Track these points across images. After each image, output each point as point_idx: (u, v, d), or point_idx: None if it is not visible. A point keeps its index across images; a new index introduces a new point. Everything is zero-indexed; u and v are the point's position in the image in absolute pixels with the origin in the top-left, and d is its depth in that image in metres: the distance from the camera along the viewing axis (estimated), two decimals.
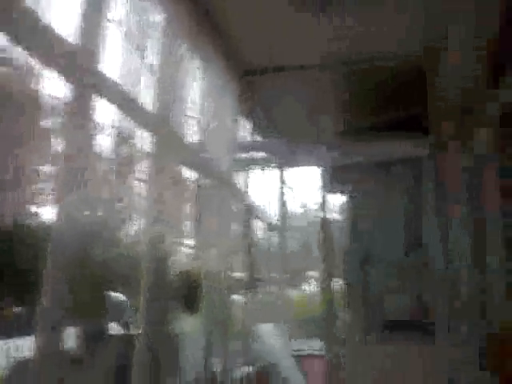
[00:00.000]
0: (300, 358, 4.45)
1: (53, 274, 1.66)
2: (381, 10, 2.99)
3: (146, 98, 2.15)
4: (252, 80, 3.70)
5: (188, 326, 3.41)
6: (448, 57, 3.18)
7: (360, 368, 3.32)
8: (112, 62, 1.93)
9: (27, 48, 1.42)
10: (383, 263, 4.07)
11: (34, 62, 1.46)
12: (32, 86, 1.46)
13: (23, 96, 1.41)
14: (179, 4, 2.45)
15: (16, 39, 1.37)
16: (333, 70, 3.65)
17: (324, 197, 3.55)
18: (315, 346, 4.53)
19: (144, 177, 2.06)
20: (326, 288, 3.42)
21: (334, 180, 4.56)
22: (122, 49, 1.99)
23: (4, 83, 1.34)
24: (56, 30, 1.57)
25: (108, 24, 1.83)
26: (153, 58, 2.19)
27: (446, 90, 3.30)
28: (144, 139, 2.10)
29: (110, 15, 1.84)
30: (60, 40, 1.63)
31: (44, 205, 1.60)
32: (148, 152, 2.12)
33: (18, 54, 1.38)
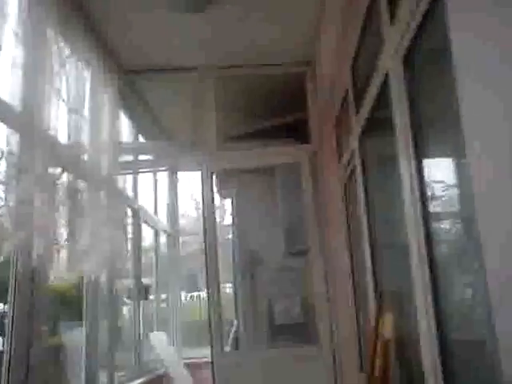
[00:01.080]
0: (191, 365, 4.38)
1: None
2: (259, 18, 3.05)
3: (11, 94, 1.97)
4: (133, 80, 3.59)
5: (72, 337, 3.21)
6: (321, 67, 3.32)
7: (248, 373, 3.31)
8: None
9: None
10: (269, 267, 4.14)
11: None
12: None
13: None
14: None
15: None
16: (215, 72, 3.65)
17: (206, 201, 3.49)
18: (204, 352, 4.49)
19: (3, 178, 1.88)
20: (213, 293, 3.36)
21: (220, 184, 4.56)
22: None
23: None
24: None
25: None
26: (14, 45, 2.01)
27: (323, 99, 3.44)
28: (7, 137, 1.92)
29: None
30: None
31: None
32: (8, 150, 1.93)
33: None
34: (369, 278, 2.41)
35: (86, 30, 2.84)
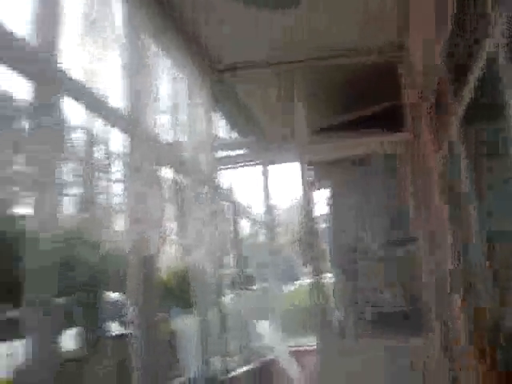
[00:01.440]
0: (295, 353, 4.46)
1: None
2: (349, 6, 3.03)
3: (118, 99, 2.15)
4: (224, 78, 3.71)
5: (183, 324, 3.40)
6: (415, 53, 3.22)
7: (352, 362, 3.32)
8: (82, 64, 1.93)
9: None
10: (369, 256, 4.11)
11: None
12: None
13: None
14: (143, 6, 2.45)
15: None
16: (304, 65, 3.68)
17: (307, 192, 3.55)
18: (309, 340, 4.54)
19: (122, 177, 2.05)
20: (315, 283, 3.42)
21: (315, 176, 4.59)
22: (91, 51, 1.98)
23: None
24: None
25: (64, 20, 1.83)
26: (119, 55, 2.19)
27: (418, 86, 3.34)
28: (119, 140, 2.10)
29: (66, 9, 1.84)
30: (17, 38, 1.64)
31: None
32: (124, 152, 2.11)
33: None
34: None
35: (179, 32, 2.98)
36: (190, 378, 3.02)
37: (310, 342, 4.41)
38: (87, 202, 1.83)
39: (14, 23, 1.56)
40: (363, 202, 4.20)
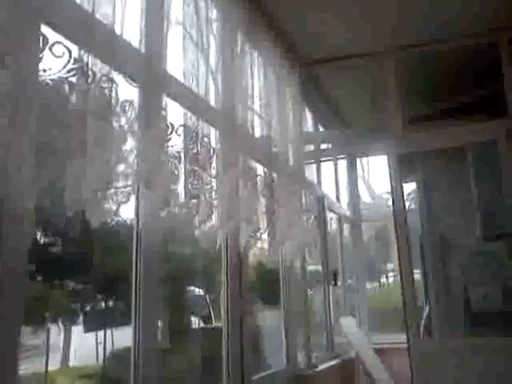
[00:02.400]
0: (380, 351, 4.37)
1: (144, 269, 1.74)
2: None
3: (211, 95, 2.19)
4: (312, 71, 3.69)
5: (269, 319, 3.43)
6: None
7: (444, 362, 3.19)
8: (176, 62, 1.99)
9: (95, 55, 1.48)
10: (463, 251, 3.92)
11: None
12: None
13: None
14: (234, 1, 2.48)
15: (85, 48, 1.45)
16: (394, 55, 3.58)
17: (396, 186, 3.46)
18: (395, 338, 4.42)
19: (215, 173, 2.09)
20: (404, 279, 3.32)
21: (405, 168, 4.44)
22: (183, 48, 2.04)
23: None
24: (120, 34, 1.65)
25: (169, 24, 1.89)
26: (213, 55, 2.24)
27: None
28: (213, 136, 2.14)
29: (169, 15, 1.90)
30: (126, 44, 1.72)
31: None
32: (218, 148, 2.15)
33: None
34: None
35: (267, 28, 2.99)
36: (274, 373, 3.05)
37: (397, 340, 4.30)
38: (189, 198, 1.88)
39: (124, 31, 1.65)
40: (458, 194, 4.01)
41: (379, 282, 8.19)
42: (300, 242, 2.91)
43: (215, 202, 2.05)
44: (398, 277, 3.45)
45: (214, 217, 2.07)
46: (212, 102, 2.21)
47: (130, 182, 1.58)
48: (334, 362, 3.90)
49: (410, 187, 4.78)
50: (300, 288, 3.43)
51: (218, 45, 2.30)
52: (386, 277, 8.20)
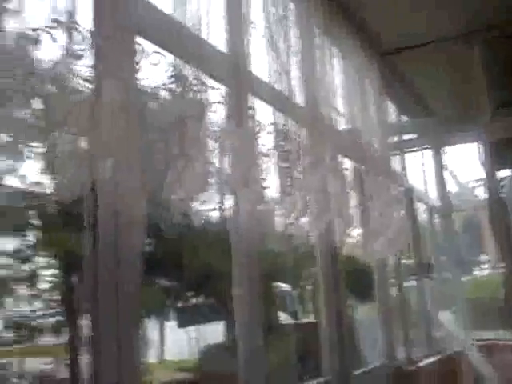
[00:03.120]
0: (481, 347, 4.14)
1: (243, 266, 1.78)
2: None
3: (295, 92, 2.19)
4: (392, 59, 3.59)
5: (365, 314, 3.37)
6: None
7: None
8: (259, 61, 2.02)
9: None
10: None
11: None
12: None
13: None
14: None
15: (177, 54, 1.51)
16: (480, 37, 3.40)
17: (487, 174, 3.28)
18: (496, 334, 4.18)
19: (305, 170, 2.09)
20: (504, 272, 3.14)
21: (494, 156, 4.20)
22: (265, 46, 2.06)
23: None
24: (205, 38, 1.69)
25: (249, 24, 1.92)
26: (293, 51, 2.24)
27: None
28: (300, 133, 2.14)
29: (249, 14, 1.93)
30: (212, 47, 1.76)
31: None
32: (306, 145, 2.15)
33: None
34: None
35: (344, 20, 2.95)
36: (374, 368, 2.99)
37: (499, 336, 4.08)
38: (282, 195, 1.90)
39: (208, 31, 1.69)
40: None
41: (472, 274, 7.79)
42: (391, 234, 2.84)
43: (307, 198, 2.05)
44: (493, 269, 3.27)
45: (307, 213, 2.08)
46: (296, 99, 2.21)
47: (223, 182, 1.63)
48: (434, 358, 3.75)
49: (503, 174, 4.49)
50: (395, 282, 3.34)
51: (296, 40, 2.30)
52: (480, 269, 7.78)
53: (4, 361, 5.91)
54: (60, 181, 1.22)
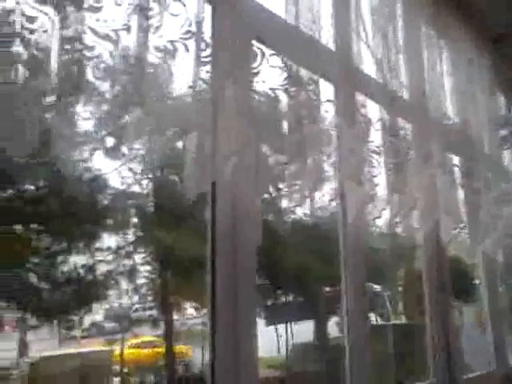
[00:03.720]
0: None
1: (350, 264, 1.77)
2: None
3: (403, 87, 2.15)
4: (503, 48, 3.37)
5: (471, 317, 3.23)
6: None
7: None
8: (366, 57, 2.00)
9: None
10: None
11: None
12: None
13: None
14: None
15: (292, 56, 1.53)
16: None
17: None
18: None
19: (414, 166, 2.04)
20: None
21: None
22: (372, 43, 2.03)
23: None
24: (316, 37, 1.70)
25: (358, 19, 1.91)
26: (400, 45, 2.19)
27: None
28: (408, 129, 2.10)
29: (359, 9, 1.91)
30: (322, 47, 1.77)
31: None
32: (413, 141, 2.10)
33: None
34: None
35: (452, 9, 2.81)
36: (484, 374, 2.85)
37: None
38: (392, 193, 1.87)
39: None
40: None
41: None
42: (504, 234, 2.69)
43: (416, 195, 2.00)
44: None
45: (415, 211, 2.03)
46: (404, 94, 2.16)
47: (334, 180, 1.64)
48: None
49: None
50: (504, 282, 3.17)
51: (403, 34, 2.25)
52: None
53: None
54: (184, 179, 1.29)
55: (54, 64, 1.00)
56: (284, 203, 1.58)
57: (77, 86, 1.00)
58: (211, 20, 1.44)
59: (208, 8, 1.43)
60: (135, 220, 6.26)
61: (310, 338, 7.27)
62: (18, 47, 0.95)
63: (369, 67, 1.99)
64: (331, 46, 1.84)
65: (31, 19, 0.95)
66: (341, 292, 1.90)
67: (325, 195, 1.70)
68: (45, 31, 0.98)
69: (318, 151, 1.54)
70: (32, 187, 5.49)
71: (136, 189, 6.15)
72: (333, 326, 7.20)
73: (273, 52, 1.46)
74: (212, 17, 1.45)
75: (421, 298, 2.44)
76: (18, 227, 5.51)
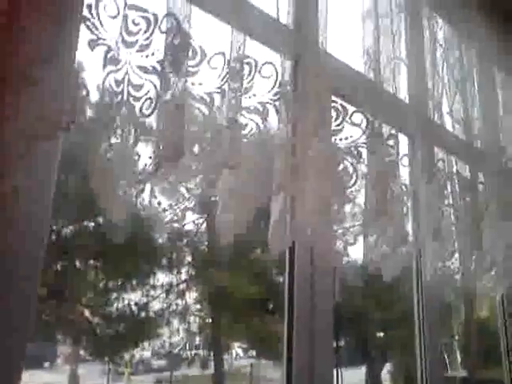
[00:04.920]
0: None
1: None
2: None
3: (479, 138, 2.09)
4: None
5: None
6: None
7: None
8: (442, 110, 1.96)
9: None
10: None
11: None
12: None
13: None
14: None
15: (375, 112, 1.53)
16: None
17: None
18: None
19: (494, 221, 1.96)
20: None
21: None
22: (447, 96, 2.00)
23: None
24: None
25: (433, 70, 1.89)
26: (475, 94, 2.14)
27: None
28: (487, 183, 2.02)
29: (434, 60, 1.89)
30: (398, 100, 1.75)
31: None
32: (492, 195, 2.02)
33: None
34: None
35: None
36: None
37: None
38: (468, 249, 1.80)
39: None
40: None
41: None
42: None
43: (494, 253, 1.92)
44: None
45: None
46: (478, 145, 2.10)
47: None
48: None
49: None
50: None
51: (477, 82, 2.19)
52: None
53: None
54: (270, 237, 1.29)
55: (154, 127, 1.04)
56: (359, 258, 1.55)
57: (176, 146, 1.03)
58: (293, 78, 1.46)
59: (289, 66, 1.45)
60: (189, 259, 6.33)
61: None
62: (124, 112, 0.99)
63: (445, 120, 1.96)
64: (407, 99, 1.83)
65: (137, 87, 1.00)
66: (414, 347, 1.84)
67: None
68: (148, 98, 1.01)
69: (399, 207, 1.51)
70: (92, 224, 5.66)
71: (190, 227, 6.23)
72: (386, 375, 6.94)
73: (355, 109, 1.46)
74: (293, 75, 1.46)
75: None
76: (77, 263, 5.67)
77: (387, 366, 7.04)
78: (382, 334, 7.06)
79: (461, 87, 2.04)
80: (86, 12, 0.93)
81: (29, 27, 0.86)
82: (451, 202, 1.79)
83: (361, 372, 7.01)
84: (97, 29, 0.94)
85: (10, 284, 0.92)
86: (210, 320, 6.75)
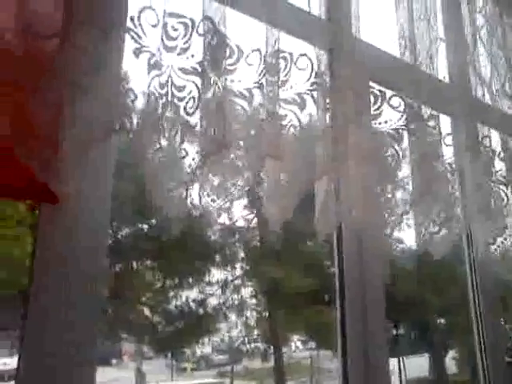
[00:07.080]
0: None
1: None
2: None
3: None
4: None
5: None
6: None
7: None
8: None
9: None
10: None
11: None
12: None
13: None
14: None
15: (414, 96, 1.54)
16: None
17: None
18: None
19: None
20: None
21: None
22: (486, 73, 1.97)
23: None
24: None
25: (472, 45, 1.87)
26: None
27: None
28: None
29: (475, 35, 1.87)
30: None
31: None
32: None
33: None
34: None
35: None
36: None
37: None
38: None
39: None
40: None
41: None
42: None
43: None
44: None
45: None
46: None
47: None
48: None
49: None
50: None
51: None
52: None
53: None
54: (317, 220, 1.32)
55: (198, 124, 1.10)
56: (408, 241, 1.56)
57: (220, 142, 1.08)
58: (329, 67, 1.49)
59: (325, 55, 1.48)
60: (242, 254, 6.42)
61: (425, 373, 6.90)
62: (170, 112, 1.06)
63: (486, 96, 1.93)
64: (447, 79, 1.82)
65: (180, 88, 1.06)
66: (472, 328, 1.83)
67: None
68: (191, 97, 1.08)
69: (445, 186, 1.52)
70: (146, 226, 5.84)
71: (241, 223, 6.32)
72: (450, 361, 6.79)
73: (393, 93, 1.47)
74: (329, 63, 1.49)
75: None
76: (134, 264, 5.87)
77: (451, 353, 6.88)
78: (442, 321, 6.92)
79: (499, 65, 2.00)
80: (129, 23, 1.01)
81: (79, 41, 0.95)
82: (500, 178, 1.76)
83: (424, 360, 6.88)
84: (140, 38, 1.02)
85: (81, 285, 0.97)
86: (267, 314, 6.82)
